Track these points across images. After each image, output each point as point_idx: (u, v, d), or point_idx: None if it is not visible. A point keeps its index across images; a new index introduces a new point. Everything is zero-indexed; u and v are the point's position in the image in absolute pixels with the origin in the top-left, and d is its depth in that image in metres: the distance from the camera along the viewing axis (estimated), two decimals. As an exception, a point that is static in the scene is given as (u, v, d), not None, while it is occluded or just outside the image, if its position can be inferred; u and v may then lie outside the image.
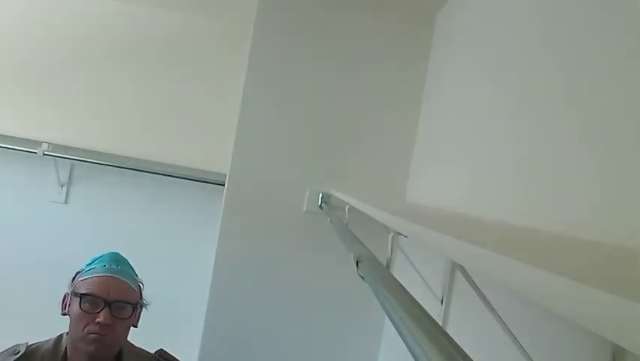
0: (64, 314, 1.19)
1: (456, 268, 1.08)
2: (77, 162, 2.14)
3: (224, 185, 1.65)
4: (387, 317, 0.48)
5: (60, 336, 1.21)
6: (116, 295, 1.15)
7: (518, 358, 0.70)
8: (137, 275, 1.30)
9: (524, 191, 0.82)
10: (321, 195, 1.61)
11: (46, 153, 2.04)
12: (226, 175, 1.63)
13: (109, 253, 1.26)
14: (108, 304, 1.12)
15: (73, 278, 1.22)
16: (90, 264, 1.23)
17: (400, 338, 0.41)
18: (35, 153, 2.04)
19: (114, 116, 2.20)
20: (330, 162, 1.64)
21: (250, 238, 1.62)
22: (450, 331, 0.38)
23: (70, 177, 2.22)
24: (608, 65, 0.64)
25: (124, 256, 1.30)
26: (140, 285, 1.29)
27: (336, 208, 1.49)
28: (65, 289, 1.22)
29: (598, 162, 0.63)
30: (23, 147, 2.05)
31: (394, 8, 1.64)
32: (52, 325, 2.17)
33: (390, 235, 0.73)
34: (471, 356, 0.33)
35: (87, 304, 1.12)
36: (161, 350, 1.31)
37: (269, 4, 1.63)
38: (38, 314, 2.15)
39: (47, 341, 1.21)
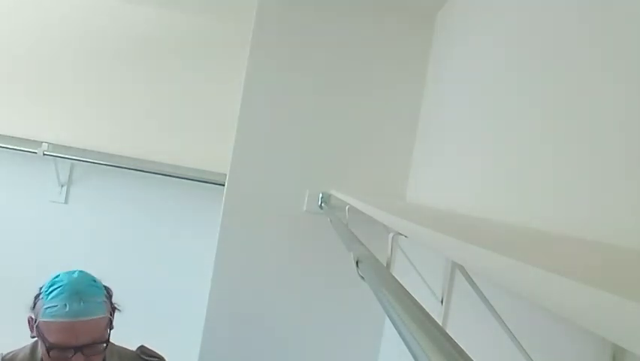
0: (33, 337, 1.14)
1: (456, 268, 1.08)
2: (77, 162, 2.15)
3: (224, 185, 1.65)
4: (387, 317, 0.48)
5: (35, 343, 1.16)
6: (85, 338, 1.07)
7: (518, 358, 0.70)
8: (100, 289, 1.19)
9: (524, 191, 0.82)
10: (321, 195, 1.61)
11: (46, 153, 2.04)
12: (226, 175, 1.63)
13: (69, 281, 1.13)
14: (79, 349, 1.06)
15: (34, 304, 1.13)
16: (49, 293, 1.10)
17: (400, 338, 0.41)
18: (35, 153, 2.04)
19: (114, 116, 2.20)
20: (330, 162, 1.64)
21: (250, 238, 1.62)
22: (450, 331, 0.38)
23: (70, 177, 2.22)
24: (607, 65, 0.64)
25: (85, 271, 1.20)
26: (106, 296, 1.19)
27: (336, 208, 1.49)
28: None
29: (598, 162, 0.63)
30: (23, 147, 2.05)
31: (394, 8, 1.64)
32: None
33: (390, 235, 0.73)
34: (471, 356, 0.33)
35: (56, 354, 1.05)
36: (142, 346, 1.27)
37: (269, 5, 1.63)
38: (38, 314, 2.16)
39: (23, 348, 1.18)
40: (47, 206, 2.20)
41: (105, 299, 1.18)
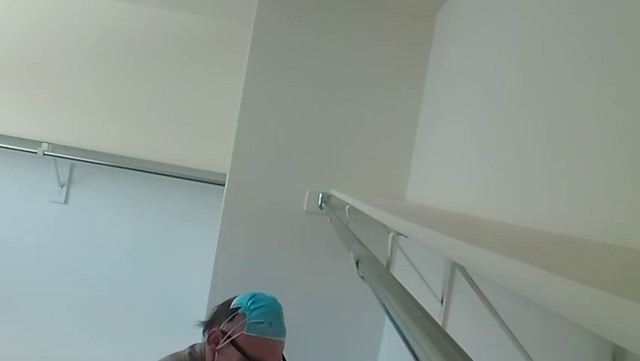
0: (212, 350, 1.16)
1: (456, 268, 1.08)
2: (77, 162, 2.14)
3: (224, 185, 1.65)
4: (387, 317, 0.48)
5: (195, 357, 1.20)
6: (277, 358, 1.15)
7: (518, 358, 0.70)
8: None
9: (524, 191, 0.82)
10: (321, 195, 1.61)
11: (46, 153, 2.04)
12: (226, 175, 1.63)
13: (272, 303, 1.20)
14: None
15: (231, 318, 1.16)
16: (253, 310, 1.16)
17: (400, 338, 0.41)
18: (35, 153, 2.04)
19: (114, 116, 2.20)
20: (330, 162, 1.64)
21: (250, 238, 1.62)
22: (450, 331, 0.38)
23: (70, 177, 2.22)
24: (607, 66, 0.64)
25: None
26: None
27: (336, 208, 1.49)
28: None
29: (598, 163, 0.63)
30: (23, 147, 2.05)
31: (394, 8, 1.64)
32: (51, 324, 2.18)
33: (390, 235, 0.73)
34: (471, 356, 0.33)
35: None
36: None
37: (269, 5, 1.63)
38: (38, 313, 2.16)
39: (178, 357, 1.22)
40: (47, 206, 2.20)
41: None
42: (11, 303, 2.16)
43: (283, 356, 1.19)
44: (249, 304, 1.17)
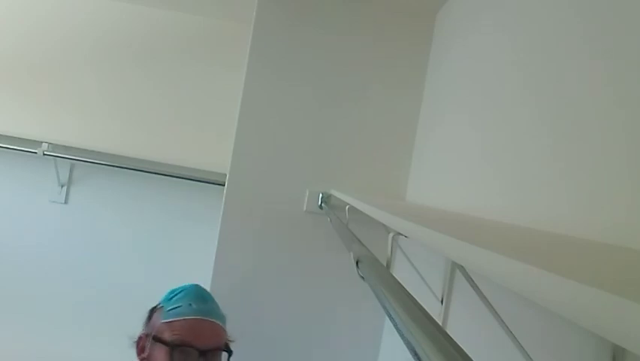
0: (142, 359, 1.04)
1: (456, 268, 1.08)
2: (77, 162, 2.14)
3: (224, 185, 1.65)
4: (387, 317, 0.48)
5: None
6: (210, 342, 0.99)
7: (518, 358, 0.70)
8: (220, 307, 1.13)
9: (524, 191, 0.82)
10: (321, 195, 1.61)
11: (46, 153, 2.04)
12: (226, 175, 1.63)
13: (191, 287, 1.09)
14: (202, 354, 0.96)
15: (150, 317, 1.06)
16: (170, 299, 1.05)
17: (400, 338, 0.41)
18: (35, 153, 2.04)
19: (114, 116, 2.20)
20: (330, 162, 1.64)
21: (250, 238, 1.62)
22: (450, 331, 0.38)
23: (70, 177, 2.22)
24: (606, 66, 0.64)
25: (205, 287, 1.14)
26: (224, 318, 1.12)
27: (336, 208, 1.49)
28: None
29: (598, 163, 0.63)
30: (23, 147, 2.05)
31: (394, 8, 1.64)
32: (51, 324, 2.18)
33: (390, 235, 0.73)
34: (471, 356, 0.33)
35: (178, 356, 0.94)
36: None
37: (269, 5, 1.63)
38: (38, 313, 2.16)
39: None
40: (47, 206, 2.20)
41: (224, 319, 1.10)
42: (11, 303, 2.16)
43: (227, 347, 1.05)
44: (166, 296, 1.08)
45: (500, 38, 1.06)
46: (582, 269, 0.31)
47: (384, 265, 0.63)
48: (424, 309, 0.43)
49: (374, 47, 1.66)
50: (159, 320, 1.02)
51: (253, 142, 1.62)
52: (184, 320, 0.99)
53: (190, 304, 1.02)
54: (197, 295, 1.07)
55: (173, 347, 0.95)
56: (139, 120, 2.20)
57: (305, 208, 1.62)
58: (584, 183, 0.65)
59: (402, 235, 0.66)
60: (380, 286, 0.52)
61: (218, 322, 1.04)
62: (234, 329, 1.61)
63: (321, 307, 1.65)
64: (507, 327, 0.74)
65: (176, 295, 1.07)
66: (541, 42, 0.86)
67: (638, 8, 0.59)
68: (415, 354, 0.36)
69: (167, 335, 0.97)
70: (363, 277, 0.63)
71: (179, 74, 2.22)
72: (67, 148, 2.08)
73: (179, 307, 1.02)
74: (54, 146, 2.06)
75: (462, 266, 0.90)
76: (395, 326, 0.43)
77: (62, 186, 2.20)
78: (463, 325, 1.04)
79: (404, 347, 0.39)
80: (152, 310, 1.08)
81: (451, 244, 0.39)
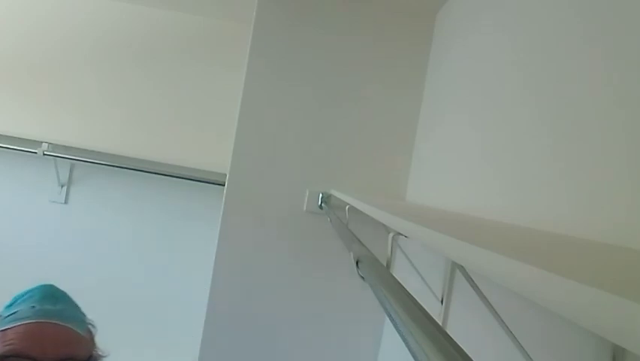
0: None
1: (456, 268, 1.08)
2: (77, 162, 2.15)
3: (224, 185, 1.65)
4: (387, 317, 0.48)
5: None
6: (55, 350, 0.77)
7: (518, 358, 0.70)
8: (84, 314, 0.92)
9: (524, 191, 0.82)
10: (321, 195, 1.61)
11: (46, 153, 2.04)
12: (226, 175, 1.63)
13: (40, 287, 0.90)
14: None
15: None
16: (11, 305, 0.86)
17: (400, 338, 0.41)
18: (35, 153, 2.04)
19: (114, 116, 2.20)
20: (330, 162, 1.64)
21: (250, 238, 1.62)
22: (450, 331, 0.38)
23: (70, 177, 2.22)
24: (606, 66, 0.64)
25: (60, 290, 0.94)
26: (91, 327, 0.92)
27: (336, 208, 1.49)
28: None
29: (598, 163, 0.63)
30: (23, 147, 2.05)
31: (394, 8, 1.64)
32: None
33: (390, 235, 0.73)
34: (471, 356, 0.33)
35: None
36: None
37: (269, 5, 1.63)
38: (38, 314, 2.16)
39: None
40: (47, 206, 2.20)
41: (88, 325, 0.91)
42: (11, 303, 2.15)
43: (93, 353, 0.87)
44: (9, 302, 0.89)
45: (500, 38, 1.06)
46: (582, 269, 0.31)
47: (384, 265, 0.63)
48: (424, 309, 0.43)
49: (374, 47, 1.66)
50: None
51: (253, 142, 1.62)
52: (22, 325, 0.79)
53: (33, 307, 0.83)
54: (45, 295, 0.86)
55: (2, 359, 0.76)
56: (139, 120, 2.20)
57: (305, 208, 1.62)
58: (584, 183, 0.65)
59: (402, 235, 0.66)
60: (380, 286, 0.52)
61: (69, 325, 0.82)
62: (234, 328, 1.61)
63: (321, 307, 1.64)
64: (507, 327, 0.74)
65: (14, 300, 0.88)
66: (541, 42, 0.86)
67: (638, 8, 0.59)
68: (414, 354, 0.36)
69: (1, 347, 0.77)
70: (363, 277, 0.63)
71: (179, 74, 2.22)
72: (67, 148, 2.08)
73: (14, 313, 0.82)
74: (54, 146, 2.06)
75: (462, 266, 0.90)
76: (395, 326, 0.43)
77: (62, 186, 2.21)
78: (463, 325, 1.04)
79: (404, 347, 0.39)
80: None
81: (451, 244, 0.39)
